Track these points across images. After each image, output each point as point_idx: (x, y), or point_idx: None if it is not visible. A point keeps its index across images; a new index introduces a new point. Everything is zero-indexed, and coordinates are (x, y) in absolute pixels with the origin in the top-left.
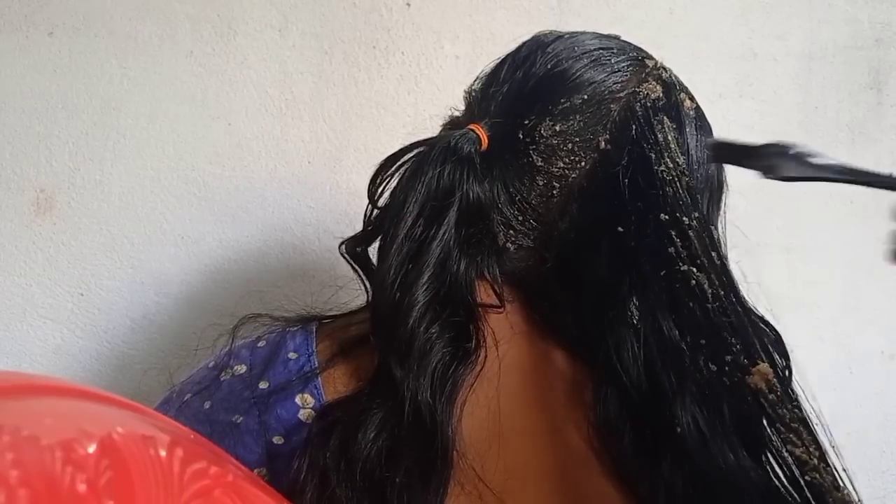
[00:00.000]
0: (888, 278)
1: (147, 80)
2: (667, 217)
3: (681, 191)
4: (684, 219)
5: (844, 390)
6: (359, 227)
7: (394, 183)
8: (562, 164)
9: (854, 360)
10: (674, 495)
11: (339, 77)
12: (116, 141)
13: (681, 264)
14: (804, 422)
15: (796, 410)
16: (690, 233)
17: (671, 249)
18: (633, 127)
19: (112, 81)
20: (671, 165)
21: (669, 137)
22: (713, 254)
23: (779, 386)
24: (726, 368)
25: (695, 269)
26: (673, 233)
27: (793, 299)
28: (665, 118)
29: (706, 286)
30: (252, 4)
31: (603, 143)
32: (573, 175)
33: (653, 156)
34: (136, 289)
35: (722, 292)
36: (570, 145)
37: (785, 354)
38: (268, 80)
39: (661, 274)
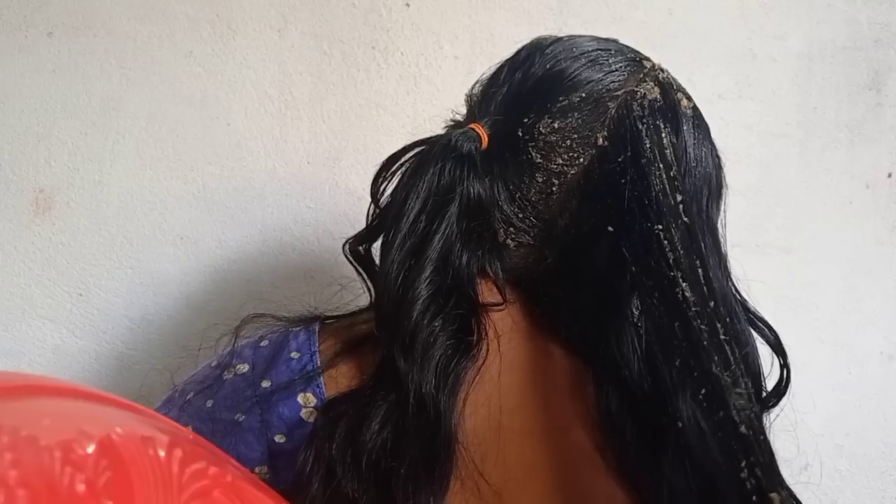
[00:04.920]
0: (888, 278)
1: (146, 80)
2: (655, 220)
3: (670, 195)
4: (671, 224)
5: (843, 390)
6: (358, 226)
7: (395, 182)
8: (560, 161)
9: (853, 360)
10: (676, 491)
11: (339, 77)
12: (115, 141)
13: (667, 269)
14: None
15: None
16: (677, 238)
17: (659, 253)
18: (630, 125)
19: (111, 82)
20: (663, 168)
21: (664, 140)
22: (696, 261)
23: (756, 420)
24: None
25: (679, 276)
26: (661, 236)
27: (792, 300)
28: (661, 120)
29: (688, 293)
30: (251, 4)
31: (601, 139)
32: (572, 171)
33: (647, 157)
34: (135, 289)
35: (704, 301)
36: (568, 142)
37: (783, 353)
38: (267, 81)
39: (652, 278)
